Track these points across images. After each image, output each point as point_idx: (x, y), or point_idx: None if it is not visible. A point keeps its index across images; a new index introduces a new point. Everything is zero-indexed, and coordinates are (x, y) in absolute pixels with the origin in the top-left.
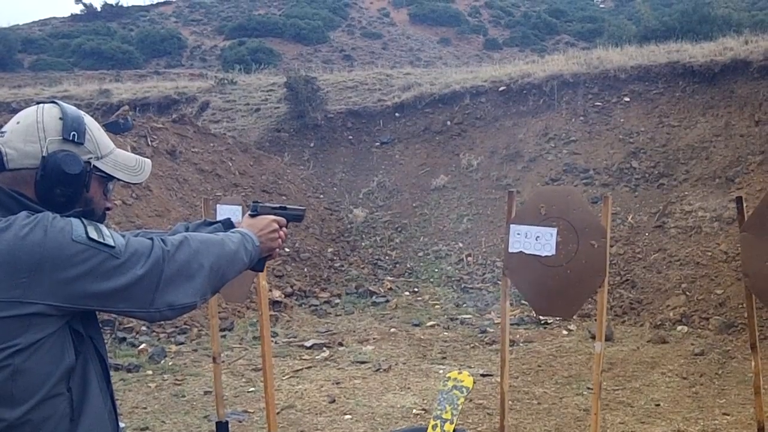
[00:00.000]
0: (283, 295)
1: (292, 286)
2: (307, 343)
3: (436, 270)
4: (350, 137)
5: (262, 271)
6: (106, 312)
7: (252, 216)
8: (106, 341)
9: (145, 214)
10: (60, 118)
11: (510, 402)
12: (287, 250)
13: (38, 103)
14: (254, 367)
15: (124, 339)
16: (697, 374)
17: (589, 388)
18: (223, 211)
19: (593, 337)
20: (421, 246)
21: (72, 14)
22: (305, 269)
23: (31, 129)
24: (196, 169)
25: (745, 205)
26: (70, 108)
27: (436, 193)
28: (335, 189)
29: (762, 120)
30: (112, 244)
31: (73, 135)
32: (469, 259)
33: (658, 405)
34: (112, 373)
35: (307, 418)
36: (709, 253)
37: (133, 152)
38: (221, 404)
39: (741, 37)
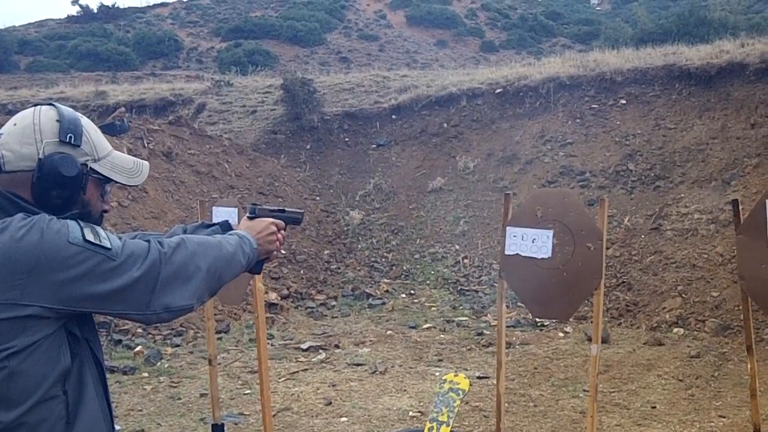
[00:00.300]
0: (279, 297)
1: (288, 288)
2: (304, 346)
3: (433, 272)
4: (347, 139)
5: (259, 273)
6: (102, 314)
7: (250, 218)
8: (101, 343)
9: (141, 216)
10: (57, 120)
11: (506, 404)
12: (284, 252)
13: (35, 105)
14: (250, 369)
15: (120, 341)
16: (693, 376)
17: (585, 391)
18: (220, 213)
19: (589, 340)
20: (417, 248)
21: (68, 16)
22: (301, 271)
23: (28, 131)
24: (192, 171)
25: (741, 207)
26: (67, 110)
27: (433, 195)
28: (331, 191)
29: (758, 122)
30: (109, 246)
31: (70, 137)
32: (466, 261)
33: (654, 407)
34: (107, 375)
35: (303, 420)
36: (705, 256)
37: (130, 154)
38: (217, 406)
39: (737, 40)
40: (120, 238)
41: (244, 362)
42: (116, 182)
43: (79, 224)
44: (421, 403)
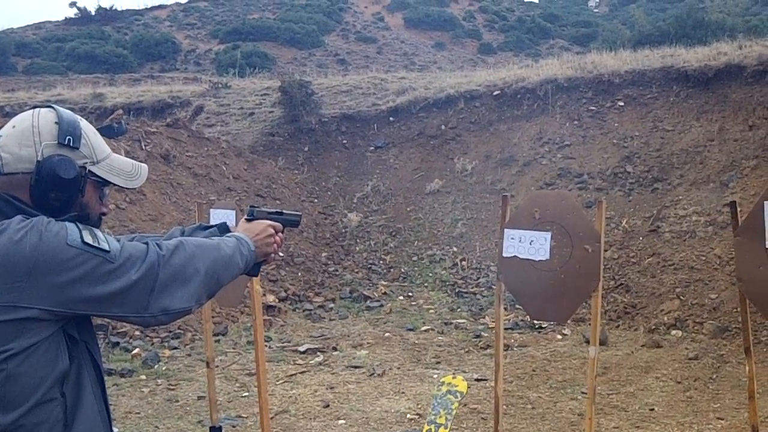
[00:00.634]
0: (277, 300)
1: (286, 291)
2: (301, 348)
3: (431, 274)
4: (344, 141)
5: (257, 275)
6: (100, 316)
7: (248, 220)
8: (99, 346)
9: (139, 218)
10: (56, 123)
11: (504, 406)
12: (281, 255)
13: (34, 107)
14: (248, 371)
15: (118, 344)
16: (691, 378)
17: (583, 393)
18: (217, 216)
19: (587, 342)
20: (415, 250)
21: (66, 18)
22: (299, 273)
23: (27, 133)
24: (189, 173)
25: (739, 209)
26: (66, 112)
27: (431, 197)
28: (329, 193)
29: (756, 124)
30: (107, 248)
31: (69, 139)
32: (464, 263)
33: (653, 409)
34: (105, 378)
35: (301, 423)
36: (704, 258)
37: (127, 156)
38: (215, 409)
39: (735, 42)
40: (118, 241)
41: (242, 365)
42: (115, 185)
43: (77, 226)
44: (419, 406)
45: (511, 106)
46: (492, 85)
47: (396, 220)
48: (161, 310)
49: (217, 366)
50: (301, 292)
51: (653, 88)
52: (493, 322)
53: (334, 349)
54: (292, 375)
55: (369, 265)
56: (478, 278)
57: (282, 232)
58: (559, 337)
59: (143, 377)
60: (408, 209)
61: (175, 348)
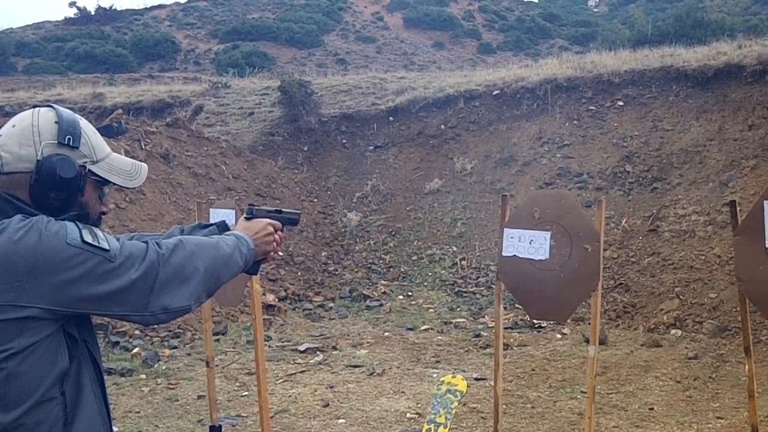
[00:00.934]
0: (276, 299)
1: (285, 290)
2: (301, 347)
3: (430, 274)
4: (344, 141)
5: (256, 274)
6: (100, 315)
7: (247, 219)
8: (99, 345)
9: (139, 218)
10: (55, 122)
11: (504, 406)
12: (281, 254)
13: (34, 106)
14: (248, 371)
15: (118, 343)
16: (690, 378)
17: (583, 392)
18: (217, 215)
19: (587, 341)
20: (414, 250)
21: (66, 18)
22: (299, 273)
23: (27, 132)
24: (189, 173)
25: (738, 209)
26: (66, 112)
27: (430, 197)
28: (329, 193)
29: (756, 124)
30: (107, 247)
31: (69, 139)
32: (463, 263)
33: (652, 409)
34: (105, 377)
35: (300, 422)
36: (703, 257)
37: (127, 156)
38: (215, 408)
39: (734, 42)
40: (118, 240)
41: (242, 364)
42: (114, 184)
43: (77, 226)
44: (419, 405)
45: (511, 106)
46: (491, 85)
47: (395, 219)
48: (161, 308)
49: (217, 365)
50: (300, 292)
51: (653, 87)
52: (492, 321)
53: (334, 348)
54: (291, 374)
55: (369, 265)
56: (478, 278)
57: (281, 231)
58: (559, 336)
59: (143, 376)
60: (407, 209)
61: (175, 347)
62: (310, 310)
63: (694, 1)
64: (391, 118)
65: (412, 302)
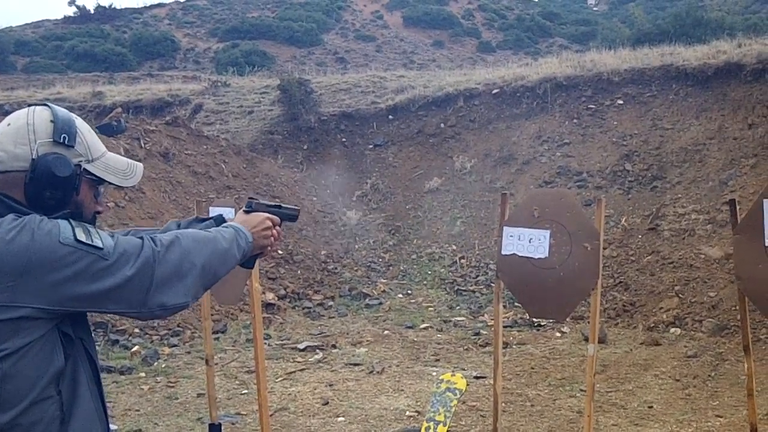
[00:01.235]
0: (276, 298)
1: (285, 289)
2: (301, 346)
3: (430, 272)
4: (343, 140)
5: (252, 268)
6: (96, 312)
7: (246, 212)
8: (98, 343)
9: (138, 216)
10: (51, 121)
11: (503, 404)
12: (280, 252)
13: (30, 105)
14: (247, 369)
15: (117, 341)
16: (690, 376)
17: (582, 390)
18: (216, 213)
19: (586, 340)
20: (414, 248)
21: (65, 16)
22: (298, 271)
23: (22, 131)
24: (189, 172)
25: (738, 207)
26: (62, 110)
27: (430, 195)
28: (328, 191)
29: (755, 123)
30: (101, 245)
31: (64, 137)
32: (463, 261)
33: (651, 407)
34: (104, 375)
35: (300, 420)
36: (702, 256)
37: (126, 155)
38: (214, 406)
39: (734, 41)
40: (112, 236)
41: (242, 362)
42: (110, 183)
43: (70, 224)
44: (418, 403)
45: (511, 105)
46: (491, 84)
47: (395, 218)
48: (158, 305)
49: (217, 363)
50: (300, 290)
51: (652, 86)
52: (492, 319)
53: (334, 346)
54: (291, 372)
55: (368, 263)
56: (477, 276)
57: (279, 226)
58: (558, 334)
59: (143, 375)
60: (407, 207)
61: (175, 345)
62: (310, 308)
63: (694, 0)
64: (390, 117)
65: (412, 301)
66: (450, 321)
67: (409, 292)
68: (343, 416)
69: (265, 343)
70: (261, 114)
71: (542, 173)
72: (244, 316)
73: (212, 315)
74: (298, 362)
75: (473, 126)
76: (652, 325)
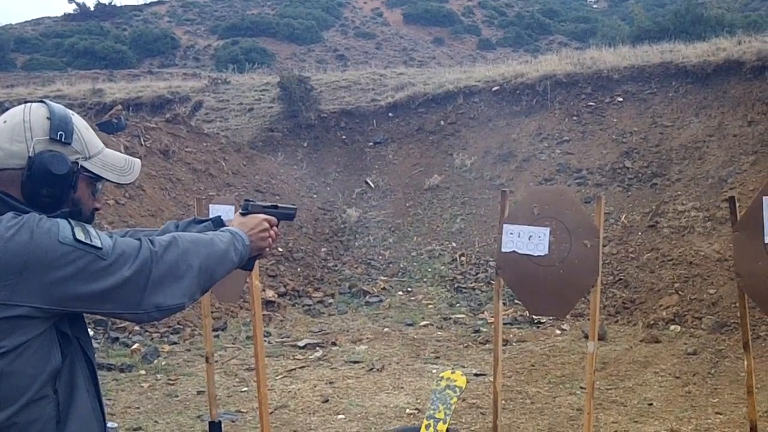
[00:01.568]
0: (276, 295)
1: (285, 286)
2: (301, 343)
3: (430, 270)
4: (343, 137)
5: (251, 270)
6: (93, 313)
7: (243, 214)
8: (99, 341)
9: (138, 213)
10: (47, 118)
11: (503, 401)
12: (280, 249)
13: (26, 102)
14: (247, 366)
15: (117, 339)
16: (690, 373)
17: (582, 388)
18: (216, 211)
19: (586, 337)
20: (414, 246)
21: (65, 14)
22: (298, 269)
23: (18, 128)
24: (189, 169)
25: (738, 205)
26: (58, 107)
27: (430, 192)
28: (328, 189)
29: (755, 120)
30: (99, 245)
31: (61, 135)
32: (463, 258)
33: (651, 404)
34: (104, 373)
35: (300, 417)
36: (702, 253)
37: (126, 152)
38: (214, 404)
39: (734, 38)
40: (111, 237)
41: (242, 360)
42: (107, 180)
43: (69, 223)
44: (418, 401)
45: (510, 102)
46: (491, 81)
47: (395, 215)
48: (154, 306)
49: (217, 361)
50: (300, 288)
51: (652, 83)
52: (492, 317)
53: (334, 344)
54: (291, 370)
55: (368, 261)
56: (477, 273)
57: (277, 226)
58: (558, 332)
59: (143, 372)
60: (407, 205)
61: (175, 343)
62: (310, 306)
63: None
64: (390, 114)
65: (412, 298)
66: (450, 318)
67: (409, 289)
68: (343, 414)
69: (265, 341)
70: (261, 111)
71: (542, 170)
72: (244, 314)
73: (212, 312)
74: (298, 360)
75: (473, 123)
76: (652, 322)
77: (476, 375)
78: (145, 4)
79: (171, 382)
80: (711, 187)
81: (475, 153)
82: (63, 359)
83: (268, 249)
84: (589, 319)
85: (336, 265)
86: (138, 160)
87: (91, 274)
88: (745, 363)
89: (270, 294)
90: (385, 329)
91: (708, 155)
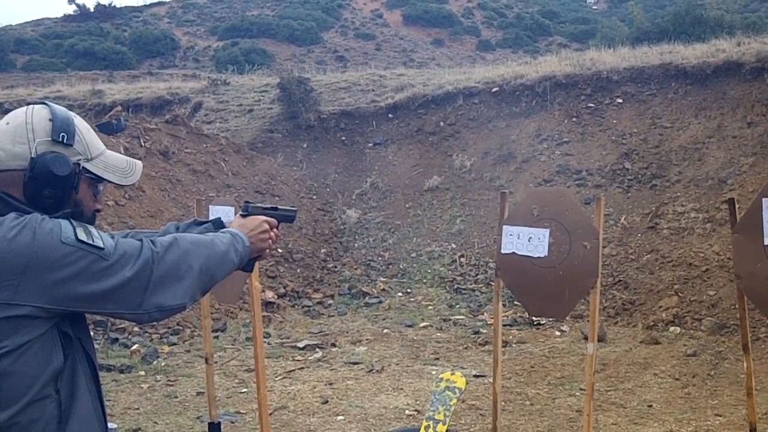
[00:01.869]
0: (275, 296)
1: (284, 287)
2: (300, 344)
3: (429, 271)
4: (343, 138)
5: (251, 271)
6: (94, 313)
7: (243, 216)
8: (98, 342)
9: (138, 214)
10: (49, 120)
11: (502, 403)
12: (280, 251)
13: (28, 104)
14: (247, 367)
15: (117, 340)
16: (689, 375)
17: (581, 389)
18: (216, 212)
19: (586, 338)
20: (414, 247)
21: (65, 15)
22: (298, 270)
23: (20, 130)
24: (188, 170)
25: (737, 206)
26: (60, 109)
27: (429, 194)
28: (328, 190)
29: (754, 121)
30: (101, 245)
31: (63, 136)
32: (462, 260)
33: (651, 406)
34: (104, 374)
35: (299, 419)
36: (702, 255)
37: (126, 153)
38: (214, 405)
39: (733, 39)
40: (112, 237)
41: (241, 361)
42: (109, 182)
43: (71, 223)
44: (418, 402)
45: (510, 103)
46: (490, 82)
47: (395, 216)
48: (155, 306)
49: (216, 362)
50: (299, 289)
51: (652, 85)
52: (491, 318)
53: (333, 345)
54: (290, 371)
55: (368, 262)
56: (477, 275)
57: (277, 228)
58: (558, 333)
59: (142, 373)
60: (407, 206)
61: (174, 344)
62: (309, 307)
63: None
64: (390, 115)
65: (411, 299)
66: (449, 320)
67: (409, 290)
68: (342, 415)
69: (265, 342)
70: (261, 112)
71: (542, 172)
72: (244, 315)
73: (212, 313)
74: (298, 361)
75: (473, 124)
76: (652, 323)
77: (476, 376)
78: (145, 5)
79: (170, 383)
80: (710, 189)
81: (474, 154)
82: (65, 359)
83: (268, 250)
84: (588, 321)
85: (335, 266)
86: (139, 161)
87: (93, 274)
88: (745, 365)
89: (269, 295)
90: (385, 330)
91: (707, 156)
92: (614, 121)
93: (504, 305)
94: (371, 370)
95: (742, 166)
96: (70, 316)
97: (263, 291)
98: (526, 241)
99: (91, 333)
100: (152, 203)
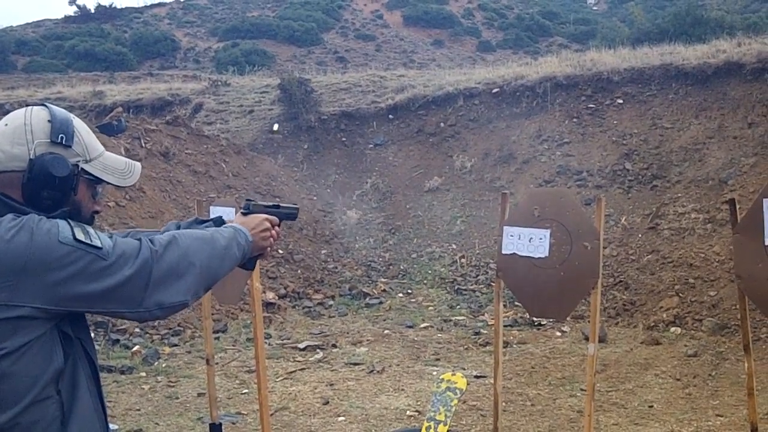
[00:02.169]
0: (276, 297)
1: (285, 288)
2: (301, 345)
3: (430, 271)
4: (344, 139)
5: (252, 269)
6: (95, 313)
7: (244, 214)
8: (99, 343)
9: (139, 215)
10: (48, 121)
11: (503, 403)
12: (281, 251)
13: (29, 105)
14: (248, 368)
15: (118, 341)
16: (690, 375)
17: (582, 390)
18: (217, 213)
19: (587, 339)
20: (414, 248)
21: (65, 16)
22: (299, 271)
23: (19, 131)
24: (189, 171)
25: (738, 207)
26: (59, 110)
27: (430, 194)
28: (329, 191)
29: (755, 122)
30: (100, 245)
31: (62, 137)
32: (463, 260)
33: (652, 406)
34: (105, 375)
35: (300, 419)
36: (702, 255)
37: (127, 154)
38: (214, 406)
39: (734, 40)
40: (111, 237)
41: (242, 362)
42: (108, 183)
43: (69, 224)
44: (419, 403)
45: (510, 104)
46: (491, 83)
47: (395, 217)
48: (156, 304)
49: (217, 363)
50: (300, 290)
51: (652, 85)
52: (492, 319)
53: (334, 346)
54: (291, 372)
55: (368, 263)
56: (477, 275)
57: (278, 226)
58: (558, 334)
59: (143, 374)
60: (407, 207)
61: (175, 345)
62: (310, 307)
63: None
64: (390, 116)
65: (412, 300)
66: (450, 320)
67: (410, 291)
68: (343, 416)
69: (266, 343)
70: (261, 113)
71: (542, 172)
72: (245, 316)
73: (213, 314)
74: (299, 362)
75: (473, 125)
76: (653, 324)
77: (476, 377)
78: (146, 6)
79: (171, 384)
80: (711, 189)
81: (475, 155)
82: (65, 360)
83: (269, 248)
84: (589, 321)
85: (336, 267)
86: (138, 163)
87: (91, 274)
88: (746, 365)
89: (270, 296)
90: (386, 331)
91: (708, 157)
92: (615, 122)
93: (505, 306)
94: (372, 371)
95: (742, 166)
96: (70, 316)
97: (264, 292)
98: (527, 242)
99: (92, 334)
100: (153, 204)
